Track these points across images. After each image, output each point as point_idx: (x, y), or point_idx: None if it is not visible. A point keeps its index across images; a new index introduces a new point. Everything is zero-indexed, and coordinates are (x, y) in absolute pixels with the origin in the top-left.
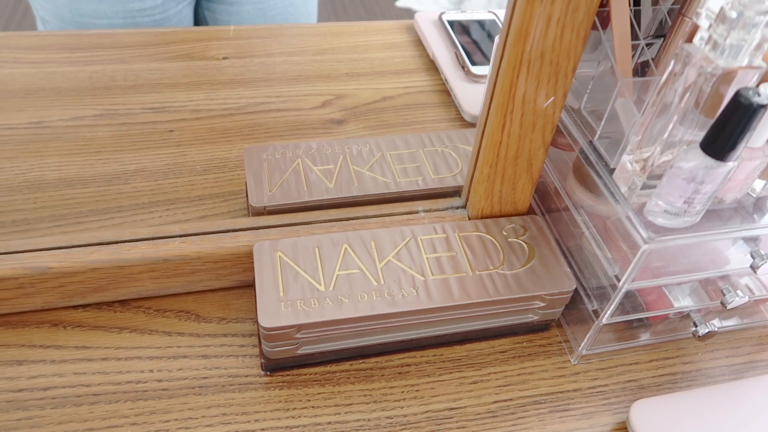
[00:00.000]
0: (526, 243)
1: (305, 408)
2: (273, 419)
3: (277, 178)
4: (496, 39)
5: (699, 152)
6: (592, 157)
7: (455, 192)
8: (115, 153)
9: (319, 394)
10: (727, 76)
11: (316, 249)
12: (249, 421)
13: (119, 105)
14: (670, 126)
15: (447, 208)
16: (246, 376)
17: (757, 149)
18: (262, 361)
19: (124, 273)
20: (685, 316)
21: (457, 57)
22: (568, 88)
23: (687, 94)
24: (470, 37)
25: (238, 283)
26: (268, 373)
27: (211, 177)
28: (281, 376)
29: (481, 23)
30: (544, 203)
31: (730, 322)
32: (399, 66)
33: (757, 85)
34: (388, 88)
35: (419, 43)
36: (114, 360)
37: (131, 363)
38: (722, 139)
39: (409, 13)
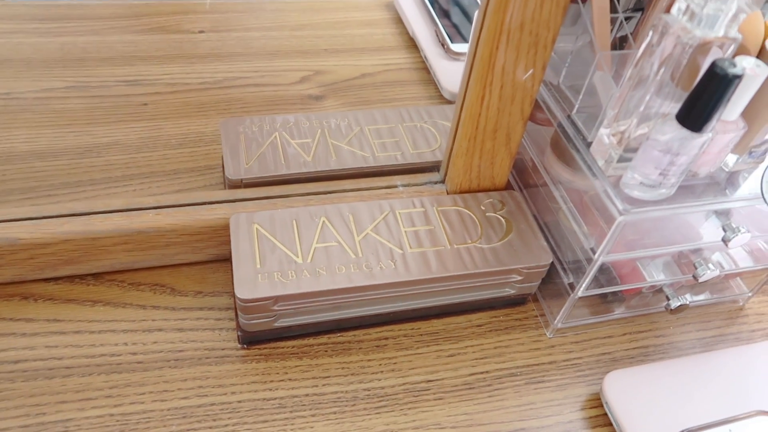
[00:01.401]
0: (503, 217)
1: (282, 381)
2: (250, 392)
3: (254, 150)
4: (476, 13)
5: (675, 124)
6: (570, 131)
7: (434, 167)
8: (88, 126)
9: (296, 366)
10: (704, 46)
11: (294, 222)
12: (225, 393)
13: (92, 77)
14: (647, 98)
15: (425, 183)
16: (222, 349)
17: (730, 122)
18: (239, 333)
19: (97, 245)
20: (657, 290)
21: (437, 35)
22: (547, 60)
23: (664, 66)
24: (450, 15)
25: (214, 256)
26: (245, 346)
27: (186, 151)
28: (258, 349)
29: (460, 1)
30: (522, 179)
31: (701, 297)
32: (378, 43)
33: (733, 57)
34: (367, 64)
35: (399, 21)
36: (87, 333)
37: (105, 336)
38: (698, 109)
39: None
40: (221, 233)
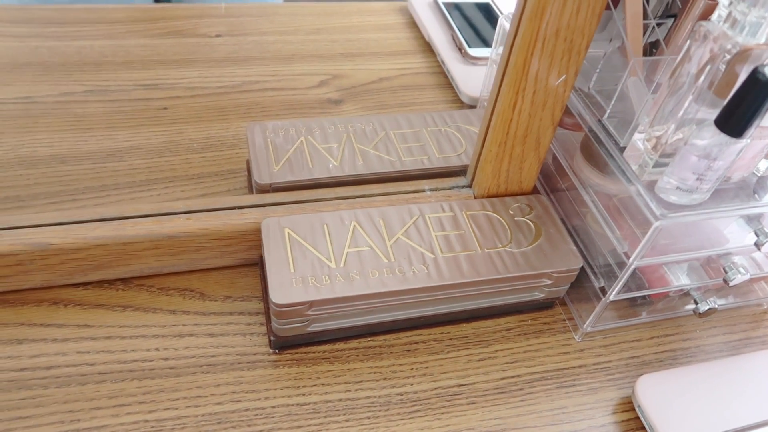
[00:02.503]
0: (532, 222)
1: (315, 386)
2: (283, 396)
3: (282, 155)
4: (501, 19)
5: (713, 129)
6: (602, 136)
7: (460, 171)
8: (108, 130)
9: (328, 371)
10: (743, 54)
11: (325, 226)
12: (259, 399)
13: (110, 81)
14: (686, 104)
15: (453, 187)
16: (254, 354)
17: (766, 128)
18: (271, 338)
19: (128, 250)
20: (684, 294)
21: (454, 39)
22: (579, 66)
23: (703, 73)
24: (466, 19)
25: (243, 261)
26: (277, 351)
27: (209, 155)
28: (290, 354)
29: (476, 5)
30: (549, 183)
31: (727, 301)
32: (394, 47)
33: None
34: (384, 69)
35: (413, 25)
36: (118, 339)
37: (136, 341)
38: (738, 115)
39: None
40: (251, 238)
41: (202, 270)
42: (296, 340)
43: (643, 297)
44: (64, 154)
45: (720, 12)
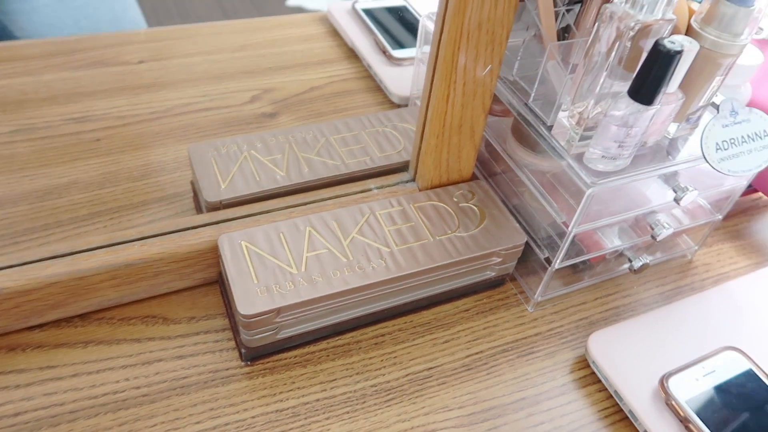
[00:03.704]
0: (476, 206)
1: (291, 390)
2: (261, 406)
3: (228, 171)
4: (422, 20)
5: (627, 100)
6: (530, 118)
7: (403, 167)
8: (41, 168)
9: (302, 375)
10: (645, 29)
11: (281, 235)
12: (238, 411)
13: (36, 119)
14: (601, 80)
15: (397, 183)
16: (227, 369)
17: (671, 94)
18: (242, 351)
19: (84, 284)
20: (619, 255)
21: (377, 43)
22: (502, 55)
23: (613, 51)
24: (386, 24)
25: (202, 280)
26: (248, 363)
27: (151, 181)
28: (262, 364)
29: (393, 9)
30: (486, 169)
31: (656, 257)
32: (320, 57)
33: (670, 35)
34: (313, 78)
35: (336, 34)
36: (85, 375)
37: (104, 375)
38: (647, 85)
39: (301, 11)
40: (208, 256)
41: (162, 295)
42: (267, 349)
43: (584, 262)
44: None
45: None
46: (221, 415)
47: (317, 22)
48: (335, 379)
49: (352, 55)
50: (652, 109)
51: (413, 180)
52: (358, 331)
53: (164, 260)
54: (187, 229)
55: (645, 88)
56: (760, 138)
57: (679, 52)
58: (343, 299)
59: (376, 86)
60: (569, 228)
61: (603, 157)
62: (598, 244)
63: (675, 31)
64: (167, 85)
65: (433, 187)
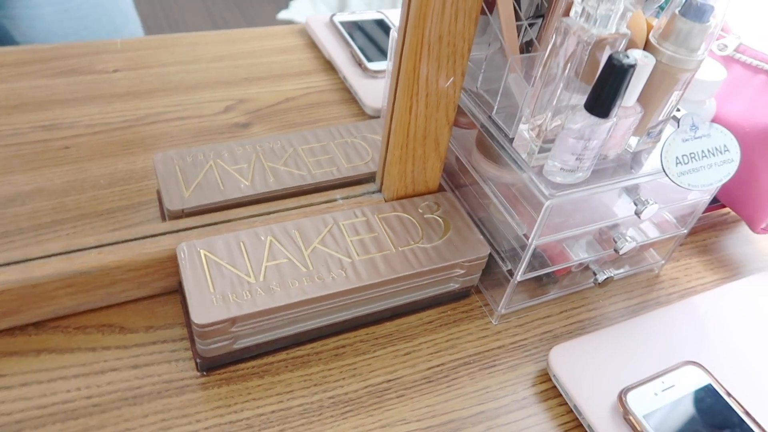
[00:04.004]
0: (440, 218)
1: (246, 401)
2: (215, 417)
3: (192, 180)
4: (392, 32)
5: (584, 113)
6: (493, 130)
7: (370, 178)
8: (6, 175)
9: (258, 386)
10: (600, 43)
11: (241, 244)
12: (190, 423)
13: (4, 126)
14: (558, 93)
15: (363, 194)
16: (181, 380)
17: (629, 108)
18: (198, 361)
19: (37, 292)
20: (585, 268)
21: (353, 55)
22: (465, 68)
23: (569, 64)
24: (363, 36)
25: (162, 289)
26: (204, 373)
27: (117, 190)
28: (218, 374)
29: (370, 22)
30: (453, 180)
31: (622, 270)
32: (297, 68)
33: (625, 50)
34: (289, 89)
35: (313, 46)
36: (35, 384)
37: (55, 384)
38: (602, 98)
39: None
40: (167, 265)
41: (120, 304)
42: (224, 359)
43: (549, 275)
44: None
45: (576, 8)
46: (173, 426)
47: (296, 34)
48: (292, 391)
49: (329, 67)
50: (608, 122)
51: (379, 191)
52: (319, 342)
53: (121, 268)
54: (146, 237)
55: (600, 101)
56: (721, 153)
57: (633, 66)
58: (302, 309)
59: (351, 98)
60: (529, 240)
61: (562, 169)
62: (563, 257)
63: (633, 45)
64: (141, 94)
65: (398, 198)
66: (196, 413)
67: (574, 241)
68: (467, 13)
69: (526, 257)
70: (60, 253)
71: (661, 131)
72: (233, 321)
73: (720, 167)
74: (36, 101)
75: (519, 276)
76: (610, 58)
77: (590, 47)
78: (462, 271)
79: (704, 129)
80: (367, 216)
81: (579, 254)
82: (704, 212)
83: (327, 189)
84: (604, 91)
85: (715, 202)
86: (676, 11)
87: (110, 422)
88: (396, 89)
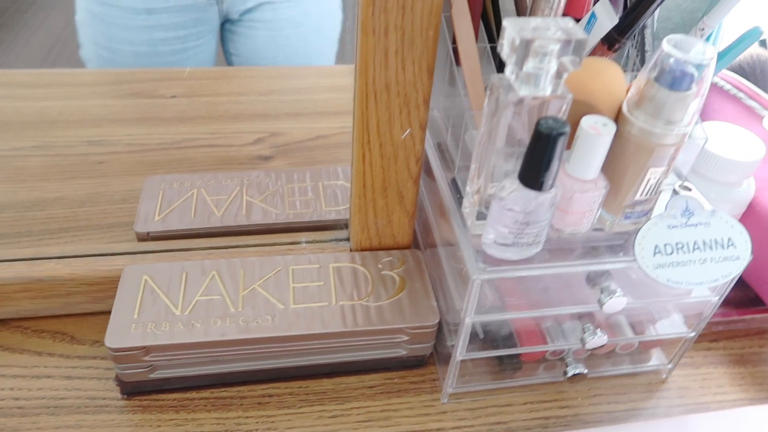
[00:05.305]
0: (399, 276)
1: None
2: None
3: (168, 205)
4: None
5: (516, 182)
6: (446, 190)
7: (344, 225)
8: (41, 182)
9: (171, 420)
10: (540, 107)
11: (185, 274)
12: None
13: (59, 137)
14: (492, 156)
15: (331, 240)
16: (103, 399)
17: (588, 181)
18: (116, 383)
19: (0, 292)
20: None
21: None
22: (424, 119)
23: (498, 126)
24: None
25: None
26: (126, 396)
27: (126, 206)
28: (138, 400)
29: None
30: (426, 238)
31: (620, 367)
32: (340, 107)
33: (592, 115)
34: (323, 127)
35: None
36: None
37: None
38: (532, 168)
39: None
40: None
41: (78, 314)
42: (145, 386)
43: (511, 358)
44: None
45: (509, 66)
46: None
47: (350, 74)
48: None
49: None
50: (545, 195)
51: (347, 239)
52: (247, 387)
53: (75, 281)
54: (104, 255)
55: (531, 171)
56: (722, 247)
57: (563, 134)
58: (221, 350)
59: None
60: (461, 315)
61: (495, 242)
62: (536, 340)
63: (600, 110)
64: (185, 120)
65: (363, 249)
66: None
67: (558, 325)
68: (416, 62)
69: (462, 335)
70: (26, 259)
71: (647, 213)
72: (146, 350)
73: (718, 264)
74: (94, 118)
75: (458, 355)
76: (537, 124)
77: (515, 109)
78: (406, 338)
79: (702, 216)
80: (321, 264)
81: (554, 340)
82: (747, 314)
83: (297, 230)
84: (533, 160)
85: (762, 305)
86: (651, 76)
87: (25, 427)
88: (353, 135)
